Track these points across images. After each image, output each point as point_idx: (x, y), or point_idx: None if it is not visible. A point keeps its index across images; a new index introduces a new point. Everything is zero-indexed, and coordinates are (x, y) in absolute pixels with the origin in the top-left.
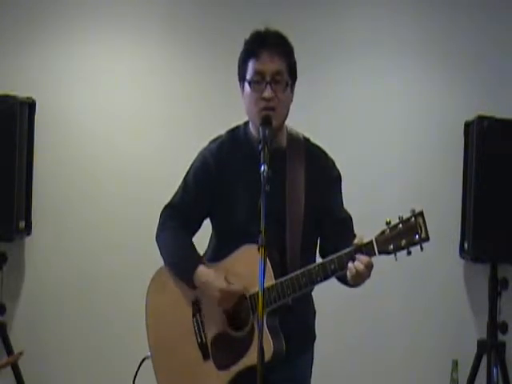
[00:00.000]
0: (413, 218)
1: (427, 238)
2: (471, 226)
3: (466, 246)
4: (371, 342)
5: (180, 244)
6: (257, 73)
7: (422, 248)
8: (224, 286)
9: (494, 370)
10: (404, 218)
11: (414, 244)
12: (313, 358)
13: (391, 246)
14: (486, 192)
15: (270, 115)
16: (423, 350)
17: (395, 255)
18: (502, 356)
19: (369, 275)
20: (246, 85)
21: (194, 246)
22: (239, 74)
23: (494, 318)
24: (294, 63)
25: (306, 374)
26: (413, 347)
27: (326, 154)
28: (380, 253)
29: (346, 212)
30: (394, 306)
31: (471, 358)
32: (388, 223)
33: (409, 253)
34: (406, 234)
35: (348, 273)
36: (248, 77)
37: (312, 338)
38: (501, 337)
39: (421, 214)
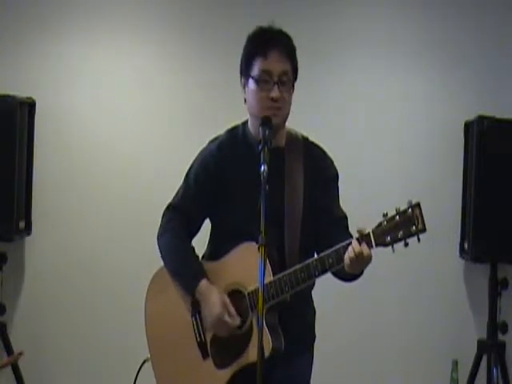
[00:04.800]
0: (410, 210)
1: (424, 229)
2: (471, 226)
3: (465, 246)
4: (371, 342)
5: (182, 254)
6: (264, 72)
7: (419, 239)
8: (222, 315)
9: (494, 370)
10: (401, 209)
11: (411, 235)
12: (313, 360)
13: (388, 238)
14: (486, 192)
15: (271, 116)
16: (423, 350)
17: (392, 247)
18: (502, 356)
19: (366, 264)
20: (251, 81)
21: (195, 253)
22: (242, 69)
23: (494, 318)
24: (297, 63)
25: (306, 375)
26: (413, 347)
27: (324, 153)
28: (377, 245)
29: (342, 211)
30: (394, 306)
31: (471, 358)
32: (385, 215)
33: (406, 244)
34: (403, 225)
35: (346, 257)
36: (254, 74)
37: (312, 337)
38: (501, 337)
39: (417, 205)
